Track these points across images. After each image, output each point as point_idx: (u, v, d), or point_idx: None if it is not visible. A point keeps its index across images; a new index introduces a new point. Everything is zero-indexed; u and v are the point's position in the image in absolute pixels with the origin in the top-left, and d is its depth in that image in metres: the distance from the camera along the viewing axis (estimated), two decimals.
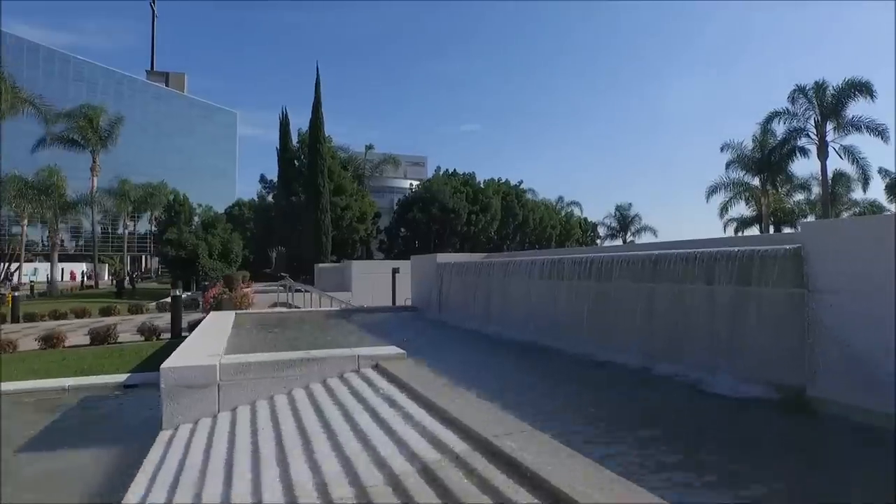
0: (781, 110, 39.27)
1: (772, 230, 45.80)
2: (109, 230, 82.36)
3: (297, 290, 20.37)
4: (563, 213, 59.06)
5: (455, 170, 49.65)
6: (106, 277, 78.22)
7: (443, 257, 12.28)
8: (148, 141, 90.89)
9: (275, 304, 18.75)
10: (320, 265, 31.43)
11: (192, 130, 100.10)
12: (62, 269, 73.07)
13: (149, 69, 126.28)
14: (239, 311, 12.23)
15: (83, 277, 74.07)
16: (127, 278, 37.46)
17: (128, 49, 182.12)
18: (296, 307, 19.78)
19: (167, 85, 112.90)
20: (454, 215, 43.69)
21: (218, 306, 13.17)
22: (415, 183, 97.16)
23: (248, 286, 18.76)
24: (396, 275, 22.42)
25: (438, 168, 50.65)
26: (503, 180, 50.35)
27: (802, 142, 39.15)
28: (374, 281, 22.24)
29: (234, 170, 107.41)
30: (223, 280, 13.63)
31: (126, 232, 58.11)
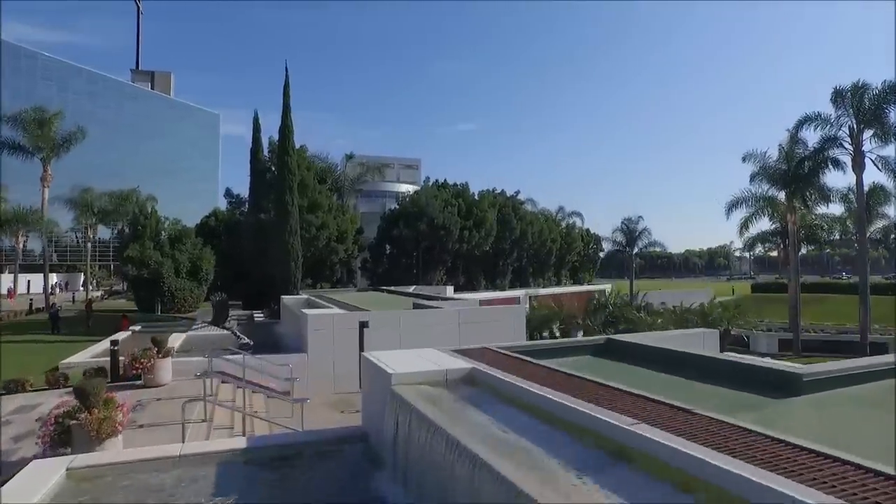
0: (812, 115, 34.95)
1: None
2: (88, 236, 77.37)
3: (232, 354, 15.81)
4: (563, 225, 54.69)
5: (446, 180, 45.14)
6: (79, 288, 73.28)
7: (400, 376, 7.72)
8: (124, 143, 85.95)
9: (203, 376, 13.96)
10: (286, 298, 26.89)
11: (172, 132, 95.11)
12: (28, 282, 68.25)
13: (133, 68, 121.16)
14: (74, 467, 7.60)
15: (52, 290, 69.43)
16: (56, 305, 32.34)
17: (122, 47, 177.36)
18: (228, 382, 15.27)
19: (152, 84, 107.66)
20: (444, 231, 39.17)
21: (64, 438, 8.61)
22: (408, 188, 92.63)
23: (163, 354, 14.20)
24: (365, 329, 17.94)
25: (428, 178, 46.11)
26: (499, 191, 45.92)
27: (835, 152, 34.84)
28: (337, 337, 17.72)
29: (216, 174, 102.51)
30: (74, 392, 8.97)
31: (89, 245, 53.33)
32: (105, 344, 25.11)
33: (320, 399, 16.23)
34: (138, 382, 14.79)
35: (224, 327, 20.89)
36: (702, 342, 11.76)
